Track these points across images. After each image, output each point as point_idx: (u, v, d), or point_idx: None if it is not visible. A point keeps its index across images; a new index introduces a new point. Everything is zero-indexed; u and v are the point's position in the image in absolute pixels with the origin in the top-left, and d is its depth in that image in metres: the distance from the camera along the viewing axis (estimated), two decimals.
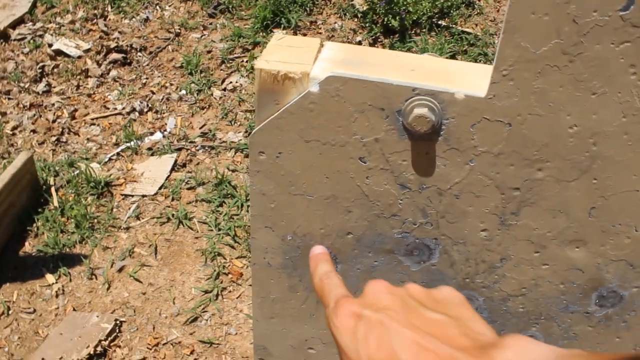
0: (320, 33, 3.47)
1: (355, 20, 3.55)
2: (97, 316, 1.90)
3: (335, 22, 3.54)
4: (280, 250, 0.75)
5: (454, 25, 3.45)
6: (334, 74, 0.61)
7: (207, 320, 1.96)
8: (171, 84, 3.06)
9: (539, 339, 0.77)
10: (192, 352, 1.88)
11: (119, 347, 1.87)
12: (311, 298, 0.79)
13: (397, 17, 3.30)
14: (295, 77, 0.63)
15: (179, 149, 2.64)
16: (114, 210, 2.32)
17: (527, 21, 0.54)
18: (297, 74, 0.63)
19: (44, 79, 3.05)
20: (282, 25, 3.48)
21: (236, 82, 3.07)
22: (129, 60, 3.22)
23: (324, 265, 0.64)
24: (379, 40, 3.40)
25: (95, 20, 3.46)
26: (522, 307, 0.74)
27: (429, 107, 0.59)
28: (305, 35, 3.48)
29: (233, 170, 2.48)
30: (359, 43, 3.40)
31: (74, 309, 1.94)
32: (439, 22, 3.46)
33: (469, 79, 0.62)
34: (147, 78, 3.10)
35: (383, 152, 0.63)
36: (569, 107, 0.58)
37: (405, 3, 3.31)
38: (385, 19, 3.35)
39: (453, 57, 3.23)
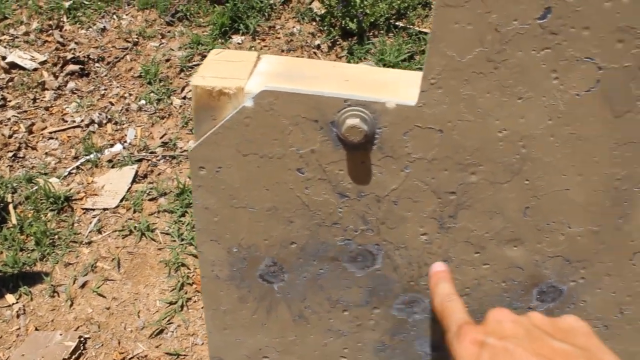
0: (278, 38, 3.48)
1: (314, 24, 3.56)
2: (60, 334, 1.87)
3: (293, 27, 3.55)
4: (227, 263, 0.76)
5: (411, 26, 3.48)
6: (267, 88, 0.61)
7: (172, 331, 1.95)
8: (130, 94, 3.04)
9: None
10: None
11: None
12: (261, 308, 0.80)
13: (355, 20, 3.32)
14: (230, 93, 0.63)
15: (140, 160, 2.62)
16: (75, 225, 2.30)
17: (451, 31, 0.55)
18: (231, 89, 0.63)
19: None
20: (241, 31, 3.48)
21: None
22: (86, 72, 3.18)
23: (445, 286, 0.64)
24: (338, 43, 3.42)
25: (50, 31, 3.42)
26: (467, 307, 0.75)
27: (361, 117, 0.60)
28: (264, 40, 3.49)
29: None
30: (318, 47, 3.42)
31: (36, 329, 1.92)
32: (397, 23, 3.49)
33: (404, 88, 0.63)
34: (105, 89, 3.07)
35: (320, 162, 0.64)
36: (497, 112, 0.59)
37: (362, 5, 3.34)
38: (343, 21, 3.37)
39: (411, 57, 3.26)
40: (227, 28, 3.45)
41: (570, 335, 0.52)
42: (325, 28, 3.48)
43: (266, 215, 0.70)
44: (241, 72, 0.66)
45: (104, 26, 3.44)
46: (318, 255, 0.73)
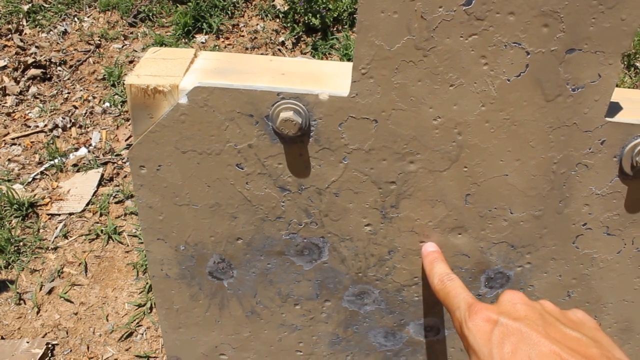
0: (242, 36, 3.46)
1: (277, 20, 3.55)
2: (27, 342, 1.85)
3: (257, 24, 3.53)
4: (175, 261, 0.75)
5: None
6: (201, 85, 0.61)
7: (142, 334, 1.93)
8: (94, 97, 3.00)
9: (437, 325, 0.79)
10: None
11: None
12: (213, 305, 0.79)
13: (318, 15, 3.31)
14: (165, 90, 0.63)
15: (105, 163, 2.59)
16: (41, 231, 2.27)
17: (378, 20, 0.55)
18: (166, 87, 0.63)
19: None
20: (204, 30, 3.46)
21: None
22: (48, 76, 3.14)
23: (440, 266, 0.65)
24: (302, 39, 3.41)
25: (10, 35, 3.36)
26: (417, 296, 0.76)
27: (294, 110, 0.59)
28: (228, 39, 3.46)
29: None
30: (282, 43, 3.41)
31: (2, 337, 1.89)
32: None
33: (340, 80, 0.63)
34: (68, 93, 3.03)
35: (258, 157, 0.64)
36: (429, 100, 0.59)
37: (324, 1, 3.33)
38: (306, 17, 3.36)
39: None
40: (190, 28, 3.42)
41: (581, 326, 0.53)
42: (288, 25, 3.46)
43: (210, 211, 0.70)
44: (177, 69, 0.66)
45: (65, 29, 3.39)
46: (265, 250, 0.72)
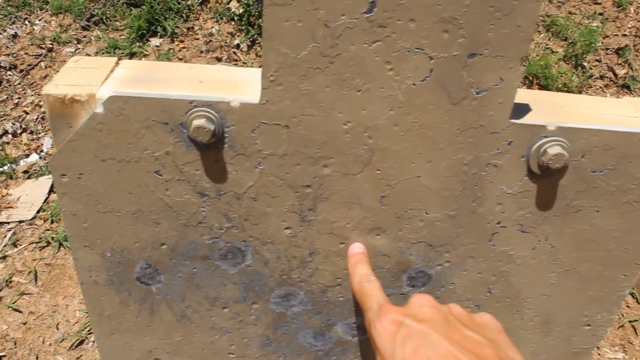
0: (197, 39, 3.45)
1: (233, 23, 3.55)
2: None
3: (212, 27, 3.52)
4: (103, 268, 0.75)
5: None
6: (116, 94, 0.62)
7: (93, 342, 1.92)
8: None
9: (363, 326, 0.80)
10: None
11: None
12: (144, 310, 0.80)
13: None
14: (82, 100, 0.63)
15: None
16: None
17: (283, 28, 0.56)
18: (83, 96, 0.63)
19: None
20: (159, 34, 3.44)
21: None
22: None
23: (362, 267, 0.67)
24: (257, 41, 3.42)
25: None
26: (341, 296, 0.77)
27: (207, 117, 0.60)
28: (183, 42, 3.45)
29: None
30: (237, 46, 3.41)
31: None
32: None
33: (256, 87, 0.64)
34: (19, 98, 2.99)
35: (176, 164, 0.65)
36: (338, 106, 0.61)
37: None
38: (261, 20, 3.36)
39: None
40: (144, 31, 3.40)
41: (483, 328, 0.56)
42: (244, 27, 3.47)
43: (133, 218, 0.70)
44: (96, 78, 0.66)
45: (16, 32, 3.34)
46: (189, 255, 0.73)
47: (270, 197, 0.67)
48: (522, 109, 0.66)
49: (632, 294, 2.18)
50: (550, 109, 0.69)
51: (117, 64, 0.70)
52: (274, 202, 0.68)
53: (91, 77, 0.66)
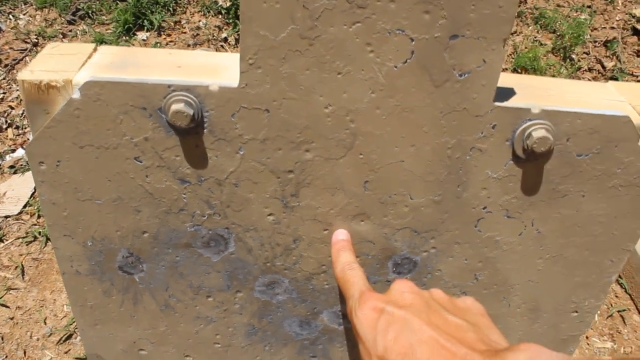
0: (184, 32, 3.43)
1: (220, 16, 3.52)
2: None
3: (199, 21, 3.50)
4: (84, 257, 0.74)
5: None
6: (93, 79, 0.60)
7: (83, 344, 1.90)
8: None
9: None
10: None
11: None
12: (127, 300, 0.79)
13: None
14: (58, 85, 0.62)
15: None
16: None
17: (261, 10, 0.55)
18: (59, 82, 0.62)
19: None
20: (145, 27, 3.41)
21: None
22: None
23: (345, 255, 0.66)
24: None
25: None
26: (326, 284, 0.76)
27: (185, 102, 0.59)
28: (170, 35, 3.43)
29: None
30: (225, 40, 3.39)
31: None
32: None
33: (234, 71, 0.63)
34: (4, 93, 2.96)
35: (155, 150, 0.64)
36: (319, 89, 0.60)
37: None
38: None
39: None
40: (131, 25, 3.38)
41: (465, 312, 0.55)
42: (231, 20, 3.44)
43: (113, 206, 0.69)
44: (73, 64, 0.65)
45: (0, 27, 3.31)
46: (171, 243, 0.72)
47: (252, 183, 0.66)
48: (505, 93, 0.65)
49: (620, 284, 2.19)
50: (534, 93, 0.68)
51: (95, 50, 0.69)
52: (256, 188, 0.67)
53: (68, 63, 0.65)
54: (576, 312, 0.85)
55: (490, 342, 0.48)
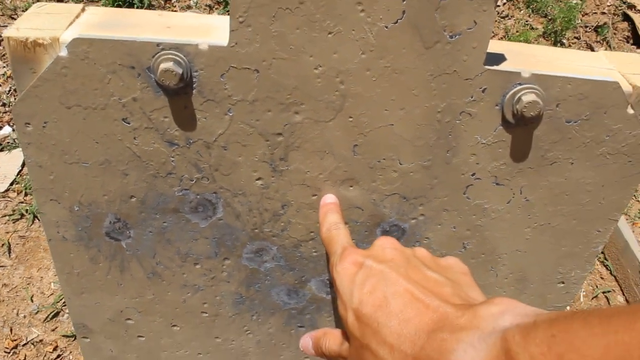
0: (175, 11, 3.40)
1: None
2: None
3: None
4: (71, 223, 0.74)
5: None
6: (81, 36, 0.60)
7: (69, 313, 1.90)
8: None
9: None
10: (55, 349, 1.82)
11: None
12: (114, 267, 0.78)
13: None
14: (45, 43, 0.61)
15: None
16: None
17: None
18: (46, 39, 0.61)
19: None
20: (136, 5, 3.38)
21: None
22: None
23: (332, 216, 0.66)
24: None
25: None
26: (315, 252, 0.76)
27: (174, 60, 0.59)
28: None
29: None
30: None
31: None
32: None
33: (224, 31, 0.62)
34: None
35: (143, 110, 0.63)
36: (309, 49, 0.59)
37: None
38: None
39: None
40: (120, 2, 3.35)
41: (447, 270, 0.55)
42: (222, 0, 3.42)
43: (100, 169, 0.68)
44: (60, 23, 0.64)
45: None
46: (159, 208, 0.72)
47: (241, 146, 0.66)
48: (496, 58, 0.65)
49: (605, 266, 2.20)
50: (525, 59, 0.68)
51: (83, 10, 0.68)
52: (244, 151, 0.66)
53: (55, 22, 0.64)
54: (562, 282, 0.85)
55: (468, 298, 0.48)
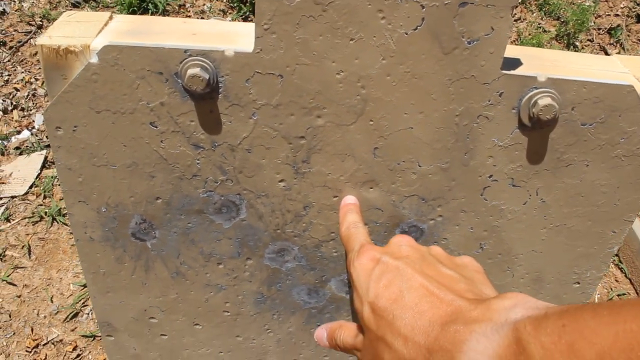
0: (189, 16, 3.43)
1: (224, 0, 3.53)
2: None
3: (204, 4, 3.51)
4: (98, 223, 0.76)
5: None
6: (111, 44, 0.62)
7: (88, 314, 1.93)
8: (36, 79, 2.95)
9: None
10: (74, 348, 1.85)
11: None
12: (139, 267, 0.81)
13: None
14: (76, 50, 0.63)
15: (49, 146, 2.56)
16: None
17: None
18: (77, 46, 0.63)
19: None
20: (150, 11, 3.42)
21: None
22: None
23: (352, 215, 0.68)
24: (249, 19, 3.40)
25: None
26: (335, 252, 0.78)
27: (201, 66, 0.61)
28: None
29: None
30: None
31: None
32: None
33: (250, 39, 0.64)
34: (9, 75, 2.97)
35: (171, 115, 0.65)
36: (332, 55, 0.61)
37: None
38: None
39: None
40: (135, 8, 3.38)
41: (461, 267, 0.56)
42: (235, 5, 3.45)
43: (128, 172, 0.71)
44: (90, 31, 0.67)
45: (3, 9, 3.32)
46: (184, 209, 0.74)
47: (265, 149, 0.68)
48: (512, 63, 0.67)
49: (620, 268, 2.21)
50: (540, 63, 0.70)
51: (110, 18, 0.70)
52: (268, 154, 0.68)
53: (85, 30, 0.67)
54: (578, 283, 0.86)
55: (481, 294, 0.49)
